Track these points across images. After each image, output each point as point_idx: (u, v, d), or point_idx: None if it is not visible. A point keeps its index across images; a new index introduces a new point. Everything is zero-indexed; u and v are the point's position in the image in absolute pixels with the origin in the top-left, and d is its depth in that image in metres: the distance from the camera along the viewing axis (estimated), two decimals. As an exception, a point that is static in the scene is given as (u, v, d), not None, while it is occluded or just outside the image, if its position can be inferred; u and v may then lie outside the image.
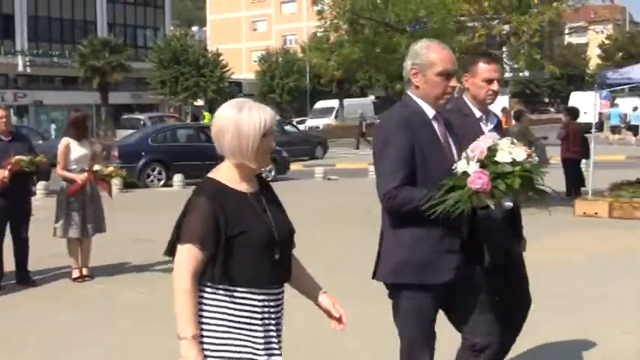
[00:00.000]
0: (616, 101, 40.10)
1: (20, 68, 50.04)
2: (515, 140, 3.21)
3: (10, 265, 7.86)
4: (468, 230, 3.39)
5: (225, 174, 2.79)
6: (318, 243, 9.34)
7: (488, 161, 3.12)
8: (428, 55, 3.37)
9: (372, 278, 3.53)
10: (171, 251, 2.78)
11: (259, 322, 2.72)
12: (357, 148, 34.07)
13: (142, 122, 30.98)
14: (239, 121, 2.71)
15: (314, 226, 10.74)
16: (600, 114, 29.16)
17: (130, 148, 19.09)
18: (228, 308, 2.70)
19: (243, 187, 2.79)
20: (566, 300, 6.76)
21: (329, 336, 4.45)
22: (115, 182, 14.87)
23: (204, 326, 2.69)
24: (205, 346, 2.67)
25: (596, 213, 11.91)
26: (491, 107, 4.10)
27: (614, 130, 33.65)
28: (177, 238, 2.74)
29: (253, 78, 59.06)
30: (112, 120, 43.62)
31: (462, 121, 3.76)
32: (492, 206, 3.12)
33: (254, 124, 2.71)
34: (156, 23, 59.96)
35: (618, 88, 16.78)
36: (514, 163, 3.09)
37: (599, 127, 28.77)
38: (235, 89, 56.19)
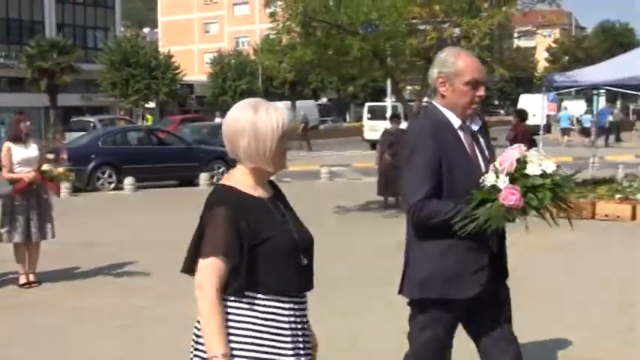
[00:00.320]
0: (565, 104, 40.95)
1: (-35, 69, 48.90)
2: (543, 152, 3.17)
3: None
4: (496, 244, 3.33)
5: (240, 180, 2.65)
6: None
7: (518, 174, 3.06)
8: (456, 64, 3.29)
9: (398, 294, 3.46)
10: (189, 267, 2.61)
11: (287, 333, 2.59)
12: (310, 150, 34.14)
13: (92, 125, 30.57)
14: (256, 123, 2.57)
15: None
16: (548, 116, 29.70)
17: (79, 151, 18.75)
18: (256, 318, 2.57)
19: (259, 192, 2.66)
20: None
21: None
22: (66, 186, 14.65)
23: (232, 342, 2.53)
24: None
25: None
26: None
27: (564, 132, 34.39)
28: (196, 253, 2.57)
29: (205, 80, 58.66)
30: (61, 123, 42.87)
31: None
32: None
33: (271, 125, 2.58)
34: (106, 24, 59.12)
35: (565, 91, 17.10)
36: (544, 175, 3.04)
37: (547, 129, 29.27)
38: (187, 91, 55.77)
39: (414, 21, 13.73)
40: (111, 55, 48.15)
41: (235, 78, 55.42)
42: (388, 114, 23.93)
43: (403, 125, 14.14)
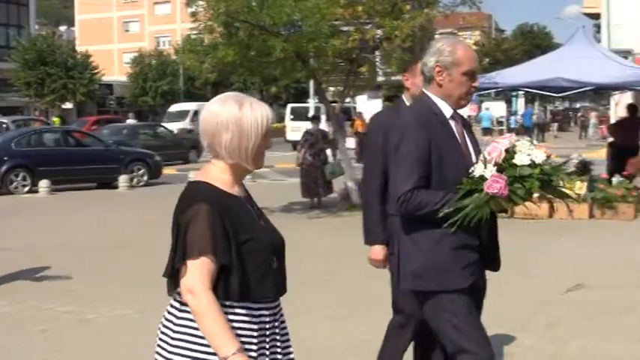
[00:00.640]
0: (485, 105, 42.05)
1: None
2: (534, 141, 3.15)
3: None
4: (486, 233, 3.28)
5: (218, 177, 2.51)
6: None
7: (506, 164, 3.05)
8: (454, 53, 3.27)
9: (399, 287, 3.47)
10: (172, 272, 2.43)
11: (255, 341, 2.45)
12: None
13: (4, 126, 29.54)
14: (241, 119, 2.46)
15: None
16: (469, 117, 30.43)
17: (-9, 153, 18.10)
18: (241, 322, 2.43)
19: (235, 190, 2.54)
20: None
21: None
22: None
23: (208, 348, 2.37)
24: None
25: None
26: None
27: (486, 132, 35.54)
28: (182, 255, 2.38)
29: (125, 80, 57.53)
30: (-29, 123, 41.29)
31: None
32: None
33: (257, 121, 2.48)
34: (20, 22, 57.23)
35: (485, 92, 17.45)
36: (533, 165, 3.02)
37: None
38: (106, 92, 54.52)
39: (336, 22, 13.76)
40: (25, 54, 46.69)
41: (156, 78, 54.58)
42: (311, 115, 23.98)
43: (323, 126, 14.13)
